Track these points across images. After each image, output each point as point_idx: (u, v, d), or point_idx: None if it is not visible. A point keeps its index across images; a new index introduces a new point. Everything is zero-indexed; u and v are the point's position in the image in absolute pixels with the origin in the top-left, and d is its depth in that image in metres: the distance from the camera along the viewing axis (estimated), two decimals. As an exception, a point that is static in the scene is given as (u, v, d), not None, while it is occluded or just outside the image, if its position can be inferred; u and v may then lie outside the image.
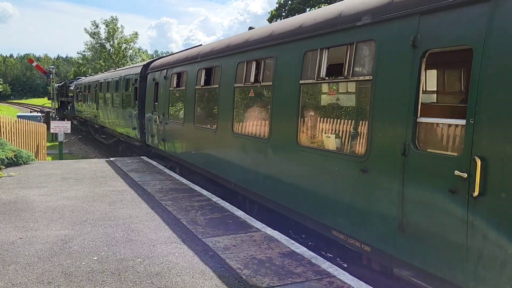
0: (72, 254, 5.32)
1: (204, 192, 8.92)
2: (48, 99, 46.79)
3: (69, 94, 35.16)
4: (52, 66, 40.27)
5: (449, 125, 4.27)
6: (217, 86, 9.01)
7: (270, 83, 7.04)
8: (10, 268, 4.87)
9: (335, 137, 5.81)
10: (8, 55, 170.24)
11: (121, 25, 65.77)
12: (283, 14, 39.01)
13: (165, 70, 12.51)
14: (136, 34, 67.10)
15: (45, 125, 17.61)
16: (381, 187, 4.77)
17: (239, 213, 7.33)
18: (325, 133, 6.04)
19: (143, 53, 77.30)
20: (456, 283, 3.92)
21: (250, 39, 8.01)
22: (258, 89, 7.69)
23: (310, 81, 6.11)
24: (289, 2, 39.11)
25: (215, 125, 9.08)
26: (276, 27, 7.41)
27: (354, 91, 6.03)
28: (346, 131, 5.68)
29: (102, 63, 62.69)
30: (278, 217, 7.13)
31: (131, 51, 67.34)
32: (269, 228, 6.51)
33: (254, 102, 7.91)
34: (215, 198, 8.34)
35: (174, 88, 11.73)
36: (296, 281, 4.65)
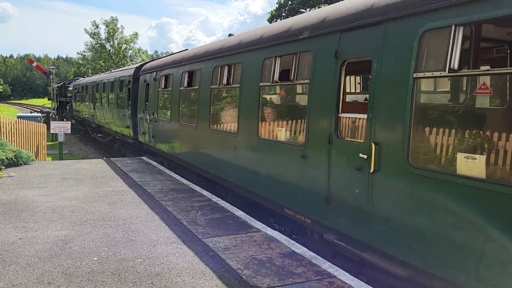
0: (72, 255, 5.32)
1: (205, 192, 8.92)
2: (48, 100, 47.19)
3: (68, 95, 36.03)
4: (52, 67, 40.31)
5: (359, 119, 5.30)
6: (197, 87, 10.13)
7: (238, 85, 8.14)
8: (10, 269, 4.87)
9: (285, 130, 6.92)
10: (8, 56, 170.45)
11: (121, 26, 65.68)
12: (283, 14, 39.01)
13: (155, 72, 13.52)
14: (136, 34, 67.01)
15: (45, 126, 17.61)
16: (314, 169, 5.86)
17: (239, 213, 7.34)
18: (277, 127, 7.13)
19: (143, 53, 77.10)
20: (364, 241, 4.96)
21: (224, 46, 9.06)
22: (229, 90, 8.85)
23: (267, 83, 7.20)
24: (289, 3, 39.11)
25: (196, 122, 10.10)
26: (243, 36, 8.48)
27: (298, 92, 7.24)
28: (292, 125, 6.83)
29: (102, 64, 62.59)
30: (251, 203, 7.87)
31: (131, 51, 67.27)
32: (269, 229, 6.52)
33: (226, 102, 9.08)
34: (215, 199, 8.34)
35: (162, 89, 12.73)
36: (297, 282, 4.65)
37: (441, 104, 5.89)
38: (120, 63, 61.90)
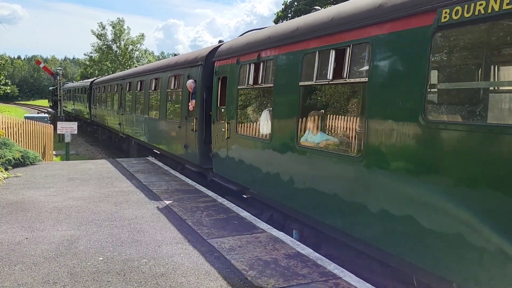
0: (77, 255, 5.34)
1: (210, 193, 8.92)
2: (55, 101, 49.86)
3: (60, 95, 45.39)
4: (59, 68, 40.76)
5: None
6: (111, 93, 21.32)
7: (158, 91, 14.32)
8: (16, 268, 4.90)
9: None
10: (16, 57, 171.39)
11: (128, 27, 65.65)
12: (289, 15, 38.99)
13: (97, 85, 26.28)
14: (142, 35, 66.96)
15: (52, 126, 17.69)
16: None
17: (244, 214, 7.32)
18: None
19: (150, 54, 76.92)
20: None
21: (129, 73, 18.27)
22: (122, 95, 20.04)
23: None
24: (295, 3, 39.09)
25: (104, 107, 22.97)
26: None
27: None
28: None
29: (109, 65, 62.71)
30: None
31: (137, 52, 67.35)
32: (274, 229, 6.50)
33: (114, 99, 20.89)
34: (220, 199, 8.34)
35: (99, 93, 25.16)
36: (302, 283, 4.63)
37: None
38: (126, 64, 61.96)
